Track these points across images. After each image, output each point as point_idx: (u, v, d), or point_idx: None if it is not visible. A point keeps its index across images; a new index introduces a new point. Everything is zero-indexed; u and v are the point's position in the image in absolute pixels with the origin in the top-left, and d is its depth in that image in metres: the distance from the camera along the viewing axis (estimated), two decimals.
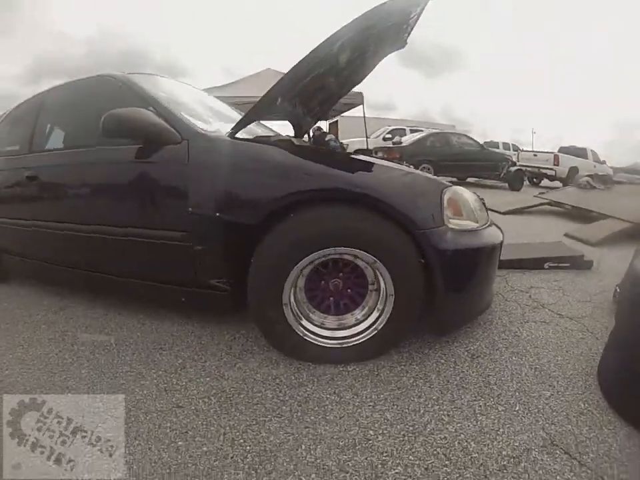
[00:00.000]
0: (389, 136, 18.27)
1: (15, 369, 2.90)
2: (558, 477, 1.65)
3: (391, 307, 2.47)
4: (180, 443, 1.99)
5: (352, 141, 15.73)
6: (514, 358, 2.55)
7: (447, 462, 1.76)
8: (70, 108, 4.10)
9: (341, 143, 12.21)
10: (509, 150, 22.44)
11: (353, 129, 17.40)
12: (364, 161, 2.76)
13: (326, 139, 10.05)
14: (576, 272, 4.26)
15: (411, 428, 1.98)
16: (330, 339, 2.57)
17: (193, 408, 2.23)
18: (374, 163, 2.72)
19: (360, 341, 2.54)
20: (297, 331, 2.55)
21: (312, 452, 1.86)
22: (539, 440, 1.88)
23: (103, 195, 3.43)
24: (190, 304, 3.09)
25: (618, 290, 3.29)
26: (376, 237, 2.37)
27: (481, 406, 2.11)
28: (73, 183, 3.68)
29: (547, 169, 17.31)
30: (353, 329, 2.58)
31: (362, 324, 2.57)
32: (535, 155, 18.59)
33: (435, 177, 2.71)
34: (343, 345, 2.55)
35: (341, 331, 2.59)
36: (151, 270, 3.22)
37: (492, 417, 2.03)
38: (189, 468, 1.83)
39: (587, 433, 1.93)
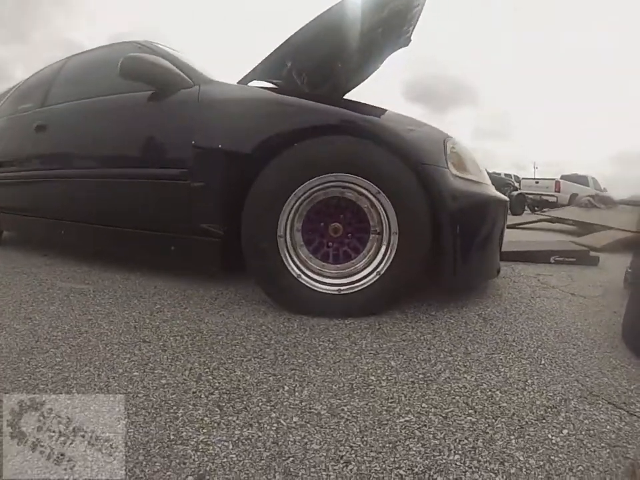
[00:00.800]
0: None
1: None
2: (608, 427, 1.31)
3: (395, 247, 2.21)
4: (135, 374, 1.70)
5: None
6: (530, 322, 2.24)
7: (470, 411, 1.38)
8: (88, 69, 4.06)
9: None
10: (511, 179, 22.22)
11: None
12: (367, 104, 2.62)
13: None
14: (582, 267, 3.99)
15: (421, 376, 1.62)
16: (327, 285, 2.29)
17: (161, 344, 1.94)
18: (384, 109, 2.55)
19: (361, 287, 2.26)
20: (289, 269, 2.28)
21: (296, 394, 1.50)
22: (575, 390, 1.56)
23: (107, 139, 3.33)
24: (180, 253, 2.89)
25: (629, 270, 3.10)
26: (379, 165, 2.18)
27: (501, 359, 1.78)
28: (80, 129, 3.59)
29: (549, 195, 16.93)
30: (354, 276, 2.30)
31: (363, 271, 2.29)
32: (537, 182, 18.34)
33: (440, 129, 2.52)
34: (342, 292, 2.25)
35: (340, 279, 2.30)
36: (147, 213, 3.07)
37: (516, 368, 1.72)
38: (138, 398, 1.53)
39: (628, 385, 1.63)
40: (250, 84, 3.00)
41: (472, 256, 2.36)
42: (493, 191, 2.59)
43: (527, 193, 16.62)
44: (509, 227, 7.49)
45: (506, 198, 2.64)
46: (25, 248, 4.53)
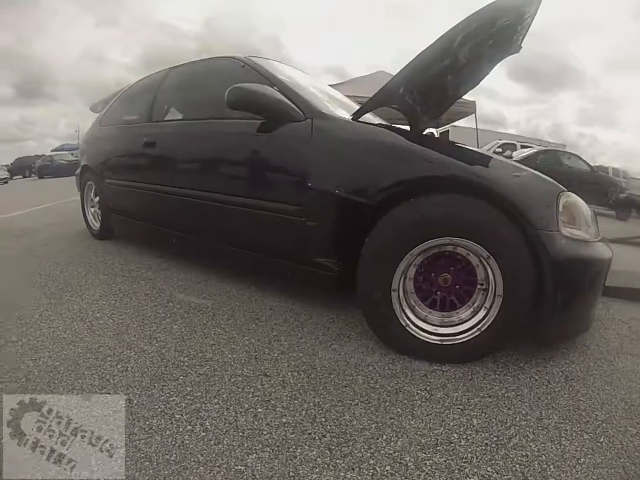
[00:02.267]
0: (500, 150, 17.54)
1: (105, 312, 3.12)
2: None
3: (498, 309, 2.38)
4: (259, 410, 2.01)
5: None
6: (606, 387, 2.34)
7: None
8: (190, 84, 4.41)
9: None
10: (619, 177, 20.56)
11: (464, 140, 16.70)
12: (481, 152, 2.73)
13: None
14: None
15: (495, 439, 1.87)
16: (431, 334, 2.50)
17: (280, 379, 2.25)
18: (491, 156, 2.66)
19: (461, 341, 2.46)
20: (400, 319, 2.49)
21: (392, 444, 1.80)
22: (616, 478, 1.71)
23: (218, 164, 3.65)
24: (296, 280, 3.18)
25: None
26: (493, 232, 2.32)
27: (567, 430, 1.95)
28: (189, 150, 3.92)
29: None
30: (456, 327, 2.50)
31: (465, 323, 2.49)
32: None
33: (551, 179, 2.57)
34: (444, 342, 2.47)
35: (444, 328, 2.51)
36: (261, 241, 3.30)
37: (576, 443, 1.87)
38: (262, 435, 1.84)
39: None
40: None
41: (571, 313, 2.49)
42: (601, 250, 2.58)
43: (636, 195, 15.23)
44: (614, 241, 6.68)
45: (610, 254, 2.64)
46: (137, 246, 5.08)
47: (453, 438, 1.86)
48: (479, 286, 2.46)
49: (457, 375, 2.35)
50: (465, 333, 2.46)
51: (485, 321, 2.42)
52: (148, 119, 4.54)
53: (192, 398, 2.11)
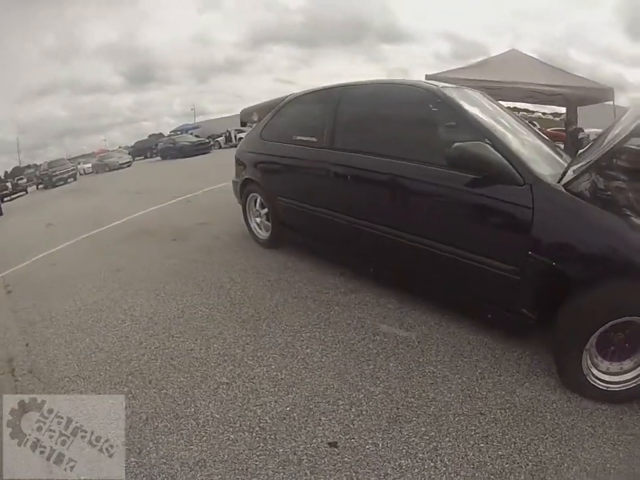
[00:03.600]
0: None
1: (315, 347, 3.62)
2: None
3: None
4: (482, 445, 2.62)
5: (594, 132, 14.87)
6: None
7: None
8: (376, 112, 4.77)
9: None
10: None
11: (595, 117, 15.39)
12: None
13: (579, 137, 9.72)
14: None
15: (632, 470, 2.47)
16: (598, 380, 3.06)
17: (492, 417, 2.85)
18: None
19: (619, 389, 3.02)
20: (583, 370, 3.03)
21: (569, 470, 2.47)
22: None
23: (425, 210, 4.04)
24: (494, 321, 3.68)
25: None
26: None
27: None
28: (391, 191, 4.34)
29: None
30: (618, 376, 3.04)
31: (625, 374, 3.03)
32: None
33: None
34: (608, 389, 3.03)
35: (609, 376, 3.05)
36: (468, 285, 3.79)
37: None
38: (486, 466, 2.46)
39: None
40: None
41: None
42: None
43: None
44: None
45: None
46: (311, 259, 5.59)
47: (606, 467, 2.51)
48: None
49: (612, 414, 2.91)
50: (622, 383, 3.02)
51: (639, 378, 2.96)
52: (330, 144, 4.88)
53: (428, 438, 2.65)
